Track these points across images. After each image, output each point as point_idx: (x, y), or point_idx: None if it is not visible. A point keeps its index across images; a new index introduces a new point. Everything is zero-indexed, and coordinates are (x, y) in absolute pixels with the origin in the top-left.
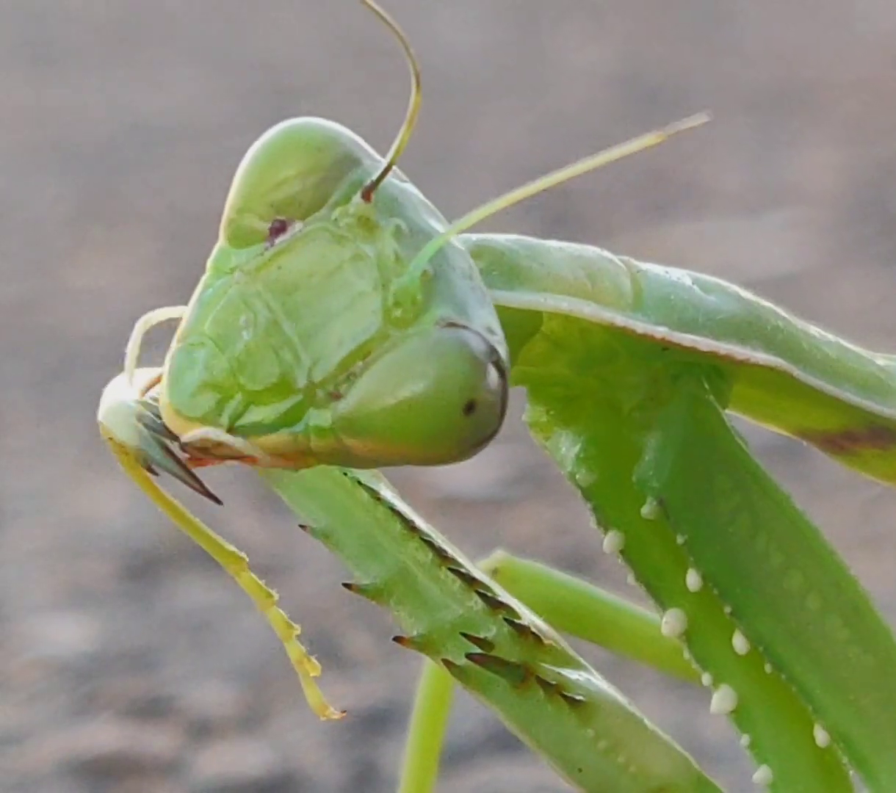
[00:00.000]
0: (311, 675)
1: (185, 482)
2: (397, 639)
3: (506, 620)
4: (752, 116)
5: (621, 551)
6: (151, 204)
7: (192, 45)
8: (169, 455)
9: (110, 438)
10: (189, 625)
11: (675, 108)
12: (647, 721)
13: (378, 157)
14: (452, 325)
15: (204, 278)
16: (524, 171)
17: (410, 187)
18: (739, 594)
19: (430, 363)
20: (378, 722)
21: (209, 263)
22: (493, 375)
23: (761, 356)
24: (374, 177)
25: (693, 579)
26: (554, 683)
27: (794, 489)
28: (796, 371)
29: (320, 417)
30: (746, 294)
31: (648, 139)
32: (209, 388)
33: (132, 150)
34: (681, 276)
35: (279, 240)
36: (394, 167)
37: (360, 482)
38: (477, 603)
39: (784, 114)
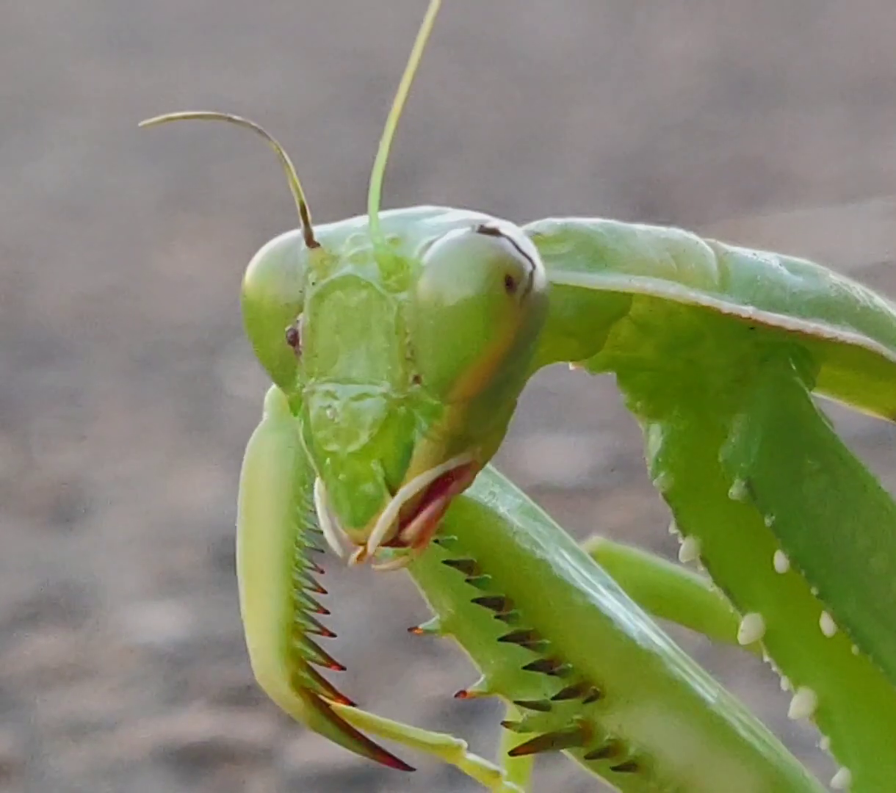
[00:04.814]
0: None
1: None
2: (460, 694)
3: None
4: (846, 104)
5: (700, 557)
6: (241, 192)
7: (283, 32)
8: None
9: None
10: None
11: (769, 96)
12: (719, 742)
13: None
14: (430, 243)
15: (301, 428)
16: (618, 158)
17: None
18: (826, 575)
19: (442, 274)
20: (470, 711)
21: (288, 408)
22: (505, 241)
23: (849, 335)
24: (303, 227)
25: (780, 561)
26: (608, 746)
27: (881, 479)
28: (885, 350)
29: (425, 406)
30: (836, 275)
31: None
32: (352, 496)
33: (222, 138)
34: (768, 258)
35: (300, 342)
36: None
37: None
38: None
39: (879, 102)
